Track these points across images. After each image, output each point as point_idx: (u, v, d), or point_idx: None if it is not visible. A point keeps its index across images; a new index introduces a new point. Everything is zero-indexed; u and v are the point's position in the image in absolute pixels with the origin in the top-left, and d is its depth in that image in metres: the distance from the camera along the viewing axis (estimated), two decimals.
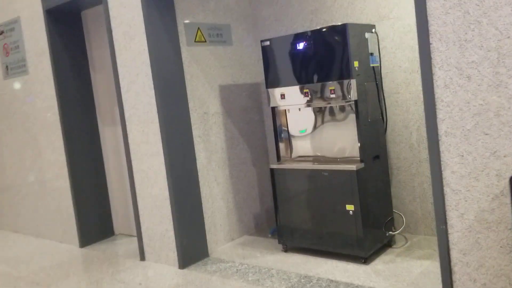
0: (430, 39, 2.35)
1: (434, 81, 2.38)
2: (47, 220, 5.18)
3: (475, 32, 2.22)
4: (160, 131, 3.72)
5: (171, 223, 3.84)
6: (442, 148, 2.42)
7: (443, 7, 2.29)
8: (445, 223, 2.47)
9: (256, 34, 4.67)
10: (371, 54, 3.63)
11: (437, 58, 2.35)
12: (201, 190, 4.04)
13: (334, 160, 3.74)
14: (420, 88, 3.73)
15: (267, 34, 4.59)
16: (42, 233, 5.31)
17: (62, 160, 4.73)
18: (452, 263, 2.48)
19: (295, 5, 4.35)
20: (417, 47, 3.69)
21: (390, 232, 3.80)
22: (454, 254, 2.48)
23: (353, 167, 3.43)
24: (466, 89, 2.29)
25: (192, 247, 3.92)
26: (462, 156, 2.36)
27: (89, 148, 4.83)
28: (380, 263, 3.52)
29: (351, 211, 3.49)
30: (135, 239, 4.64)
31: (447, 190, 2.44)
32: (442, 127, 2.40)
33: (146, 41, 3.64)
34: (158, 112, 3.70)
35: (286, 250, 3.99)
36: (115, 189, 4.98)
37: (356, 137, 3.57)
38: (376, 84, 3.67)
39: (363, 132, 3.50)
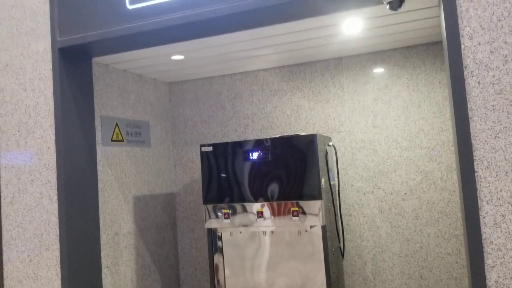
0: (475, 166, 1.94)
1: (481, 217, 1.93)
2: None
3: None
4: (60, 262, 2.61)
5: None
6: None
7: (492, 130, 1.93)
8: None
9: (176, 135, 3.94)
10: (330, 170, 3.17)
11: (484, 189, 1.93)
12: None
13: None
14: (375, 211, 3.34)
15: (189, 136, 3.90)
16: None
17: None
18: None
19: (227, 106, 3.79)
20: (372, 165, 3.36)
21: None
22: None
23: None
24: None
25: None
26: None
27: None
28: None
29: None
30: None
31: None
32: (492, 276, 1.92)
33: (54, 136, 2.66)
34: (61, 234, 2.62)
35: None
36: None
37: (321, 270, 2.93)
38: (334, 205, 3.17)
39: (330, 265, 2.89)
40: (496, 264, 1.91)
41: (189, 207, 3.89)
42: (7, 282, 2.74)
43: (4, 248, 2.75)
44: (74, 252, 2.64)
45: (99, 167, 2.99)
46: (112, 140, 3.16)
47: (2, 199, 2.76)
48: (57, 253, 2.62)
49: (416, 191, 3.21)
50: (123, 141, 3.27)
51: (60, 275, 2.61)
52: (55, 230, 2.64)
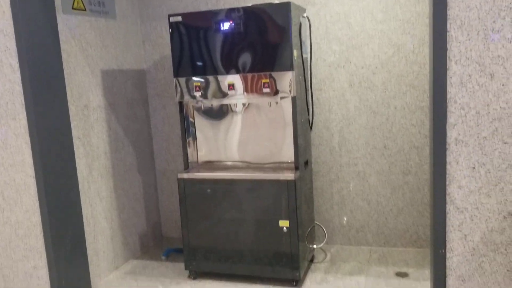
0: (448, 26, 1.92)
1: (448, 77, 1.95)
2: None
3: (505, 21, 1.86)
4: (29, 131, 2.59)
5: (43, 257, 2.74)
6: (450, 158, 2.02)
7: None
8: (445, 246, 2.09)
9: (143, 9, 3.74)
10: (303, 43, 3.11)
11: (454, 49, 1.93)
12: (82, 209, 3.01)
13: (260, 167, 3.13)
14: (345, 85, 3.36)
15: (157, 10, 3.71)
16: None
17: None
18: None
19: None
20: (345, 39, 3.31)
21: (314, 246, 3.36)
22: (451, 282, 2.12)
23: (291, 176, 2.87)
24: (487, 89, 1.93)
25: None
26: (474, 168, 2.00)
27: None
28: (313, 284, 3.05)
29: (285, 228, 2.93)
30: None
31: (450, 208, 2.06)
32: (452, 134, 2.00)
33: (9, 1, 2.47)
34: (26, 103, 2.56)
35: (194, 277, 3.23)
36: None
37: (289, 140, 3.01)
38: (305, 79, 3.17)
39: (298, 137, 2.96)
40: (458, 123, 1.98)
41: (160, 84, 3.84)
42: None
43: None
44: (42, 120, 2.61)
45: (61, 37, 2.85)
46: (73, 9, 2.98)
47: None
48: (24, 122, 2.58)
49: (387, 65, 3.22)
50: (85, 9, 3.09)
51: (29, 143, 2.60)
52: (20, 100, 2.57)
